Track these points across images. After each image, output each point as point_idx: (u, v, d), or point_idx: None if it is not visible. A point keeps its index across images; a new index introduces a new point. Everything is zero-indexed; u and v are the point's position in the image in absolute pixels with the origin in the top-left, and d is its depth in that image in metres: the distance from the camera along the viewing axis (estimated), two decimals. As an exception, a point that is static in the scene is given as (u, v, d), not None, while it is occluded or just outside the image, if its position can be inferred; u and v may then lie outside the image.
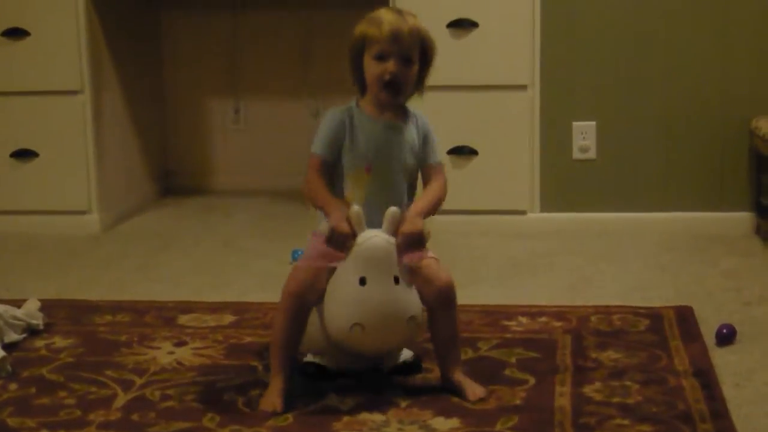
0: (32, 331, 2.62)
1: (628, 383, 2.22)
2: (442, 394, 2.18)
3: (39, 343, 2.57)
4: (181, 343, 2.54)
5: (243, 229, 3.78)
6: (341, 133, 2.21)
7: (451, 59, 3.51)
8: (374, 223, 2.14)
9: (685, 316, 2.63)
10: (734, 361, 2.35)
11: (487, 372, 2.28)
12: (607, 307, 2.74)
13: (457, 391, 2.17)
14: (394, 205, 2.16)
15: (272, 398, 2.13)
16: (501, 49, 3.50)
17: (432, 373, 2.28)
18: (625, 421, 2.03)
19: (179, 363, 2.41)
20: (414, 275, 2.17)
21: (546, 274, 3.12)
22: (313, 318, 2.19)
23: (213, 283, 3.09)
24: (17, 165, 3.74)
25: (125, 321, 2.73)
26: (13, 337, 2.54)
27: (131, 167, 4.09)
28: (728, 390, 2.18)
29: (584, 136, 3.56)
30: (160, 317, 2.75)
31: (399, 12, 2.22)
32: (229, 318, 2.73)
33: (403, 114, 2.25)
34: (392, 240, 2.12)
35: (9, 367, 2.36)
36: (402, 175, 2.23)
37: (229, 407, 2.15)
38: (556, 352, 2.42)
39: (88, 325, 2.70)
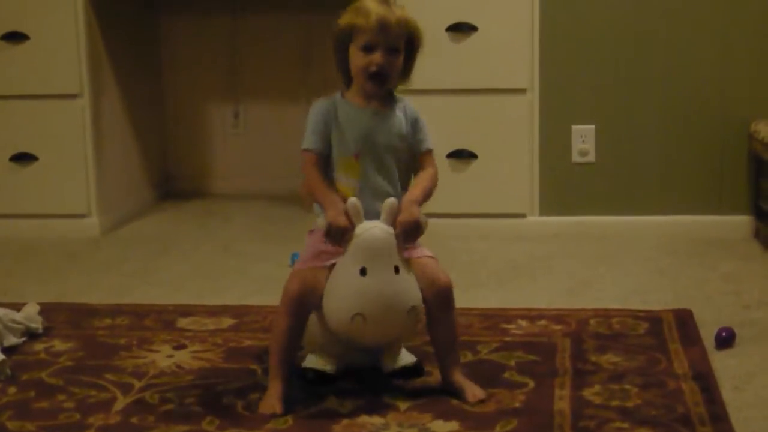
0: (31, 335, 2.62)
1: (627, 386, 2.22)
2: (442, 397, 2.18)
3: (38, 346, 2.57)
4: (180, 347, 2.54)
5: (242, 233, 3.78)
6: (329, 123, 2.21)
7: (450, 63, 3.51)
8: (370, 209, 2.14)
9: (684, 320, 2.63)
10: (734, 365, 2.35)
11: (487, 375, 2.28)
12: (607, 310, 2.74)
13: (457, 392, 2.17)
14: (388, 190, 2.18)
15: (272, 401, 2.13)
16: (500, 52, 3.51)
17: (432, 377, 2.28)
18: (625, 425, 2.03)
19: (178, 366, 2.41)
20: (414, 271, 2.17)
21: (545, 277, 3.12)
22: (313, 315, 2.19)
23: (212, 287, 3.09)
24: (17, 169, 3.75)
25: (125, 324, 2.72)
26: (12, 340, 2.54)
27: (131, 171, 4.10)
28: (727, 393, 2.18)
29: (583, 139, 3.56)
30: (160, 321, 2.75)
31: (385, 2, 2.21)
32: (228, 321, 2.73)
33: (390, 101, 2.25)
34: (391, 230, 2.12)
35: (8, 371, 2.36)
36: (392, 160, 2.22)
37: (228, 410, 2.14)
38: (555, 355, 2.42)
39: (87, 329, 2.70)
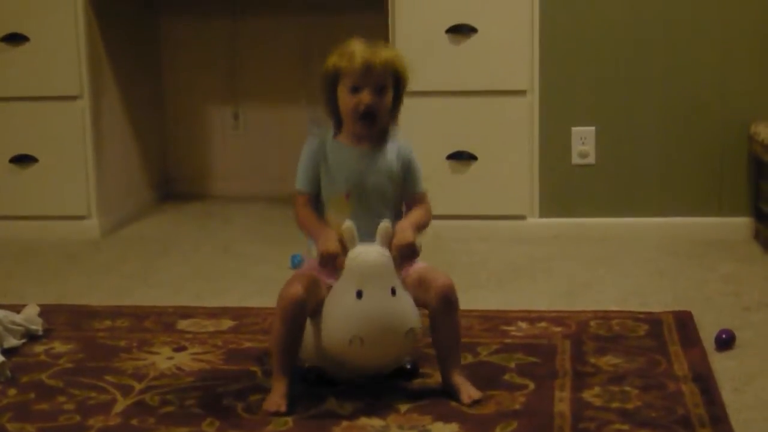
0: (31, 337, 2.62)
1: (627, 388, 2.22)
2: (442, 399, 2.18)
3: (38, 348, 2.57)
4: (180, 349, 2.54)
5: (242, 235, 3.78)
6: (317, 164, 2.25)
7: (450, 64, 3.52)
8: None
9: (684, 322, 2.63)
10: (733, 367, 2.35)
11: (487, 377, 2.28)
12: (607, 312, 2.74)
13: (453, 392, 2.18)
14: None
15: (276, 398, 2.14)
16: (500, 54, 3.51)
17: (431, 378, 2.28)
18: (625, 426, 2.03)
19: (178, 368, 2.41)
20: (413, 284, 2.17)
21: (545, 279, 3.12)
22: (311, 333, 2.19)
23: (212, 288, 3.09)
24: (17, 170, 3.75)
25: (124, 326, 2.72)
26: (12, 342, 2.54)
27: (131, 172, 4.10)
28: (727, 395, 2.18)
29: (583, 141, 3.56)
30: (160, 322, 2.75)
31: (370, 43, 2.23)
32: (228, 323, 2.73)
33: (381, 140, 2.27)
34: (386, 252, 2.13)
35: (8, 373, 2.36)
36: (382, 200, 2.24)
37: (228, 412, 2.14)
38: (555, 357, 2.42)
39: (87, 331, 2.70)
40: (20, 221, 3.77)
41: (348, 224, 2.13)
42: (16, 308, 2.68)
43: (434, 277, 2.18)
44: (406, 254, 2.15)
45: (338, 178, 2.23)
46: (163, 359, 2.47)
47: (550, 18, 3.50)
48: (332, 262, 2.13)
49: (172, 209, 4.25)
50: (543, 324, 2.65)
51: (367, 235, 2.15)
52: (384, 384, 2.25)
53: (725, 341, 2.46)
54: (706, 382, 2.23)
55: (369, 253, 2.12)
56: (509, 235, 3.58)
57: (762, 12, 3.46)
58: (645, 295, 2.92)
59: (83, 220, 3.75)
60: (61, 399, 2.24)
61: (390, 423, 2.07)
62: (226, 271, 3.29)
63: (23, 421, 2.13)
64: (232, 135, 4.45)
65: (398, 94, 2.24)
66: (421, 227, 2.24)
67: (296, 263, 3.13)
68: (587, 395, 2.19)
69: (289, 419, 2.09)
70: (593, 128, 3.56)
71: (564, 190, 3.59)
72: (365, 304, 2.10)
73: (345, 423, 2.08)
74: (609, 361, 2.38)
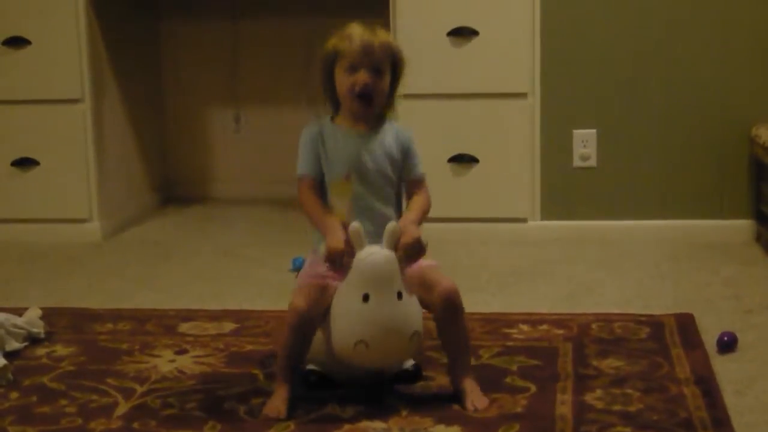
0: (33, 340, 2.62)
1: (629, 391, 2.22)
2: (444, 402, 2.18)
3: (40, 351, 2.57)
4: (181, 352, 2.54)
5: (243, 238, 3.78)
6: (316, 148, 2.24)
7: (451, 67, 3.52)
8: (365, 229, 2.14)
9: (685, 324, 2.63)
10: (735, 369, 2.35)
11: (489, 380, 2.28)
12: (608, 314, 2.74)
13: (460, 397, 2.18)
14: (384, 212, 2.20)
15: (277, 403, 2.14)
16: (501, 57, 3.51)
17: (433, 381, 2.28)
18: (627, 429, 2.03)
19: (180, 371, 2.41)
20: (417, 284, 2.17)
21: (547, 282, 3.12)
22: (318, 332, 2.19)
23: (213, 292, 3.09)
24: (18, 173, 3.75)
25: (126, 329, 2.72)
26: (14, 345, 2.54)
27: (132, 175, 4.10)
28: (729, 398, 2.18)
29: (585, 144, 3.56)
30: (161, 325, 2.75)
31: (369, 26, 2.24)
32: (229, 326, 2.73)
33: (379, 124, 2.27)
34: (393, 255, 2.12)
35: (10, 376, 2.36)
36: (383, 182, 2.24)
37: (230, 415, 2.14)
38: (557, 359, 2.42)
39: (89, 334, 2.70)
40: (22, 224, 3.77)
41: (355, 225, 2.12)
42: (18, 311, 2.68)
43: (438, 280, 2.17)
44: (413, 253, 2.15)
45: (337, 160, 2.23)
46: (165, 362, 2.47)
47: (551, 21, 3.50)
48: (339, 261, 2.13)
49: (174, 212, 4.25)
50: (544, 327, 2.65)
51: (369, 219, 2.16)
52: (385, 387, 2.25)
53: (727, 344, 2.46)
54: (707, 385, 2.23)
55: (376, 257, 2.11)
56: (510, 237, 3.58)
57: (763, 15, 3.46)
58: (646, 298, 2.92)
59: (85, 223, 3.75)
60: (63, 402, 2.24)
61: (392, 426, 2.07)
62: (227, 274, 3.29)
63: (25, 424, 2.13)
64: (233, 137, 4.45)
65: (395, 79, 2.25)
66: (423, 219, 2.24)
67: (297, 266, 3.13)
68: (589, 398, 2.19)
69: (291, 422, 2.09)
70: (594, 131, 3.56)
71: (565, 193, 3.59)
72: (371, 308, 2.09)
73: (347, 426, 2.08)
74: (611, 363, 2.38)
